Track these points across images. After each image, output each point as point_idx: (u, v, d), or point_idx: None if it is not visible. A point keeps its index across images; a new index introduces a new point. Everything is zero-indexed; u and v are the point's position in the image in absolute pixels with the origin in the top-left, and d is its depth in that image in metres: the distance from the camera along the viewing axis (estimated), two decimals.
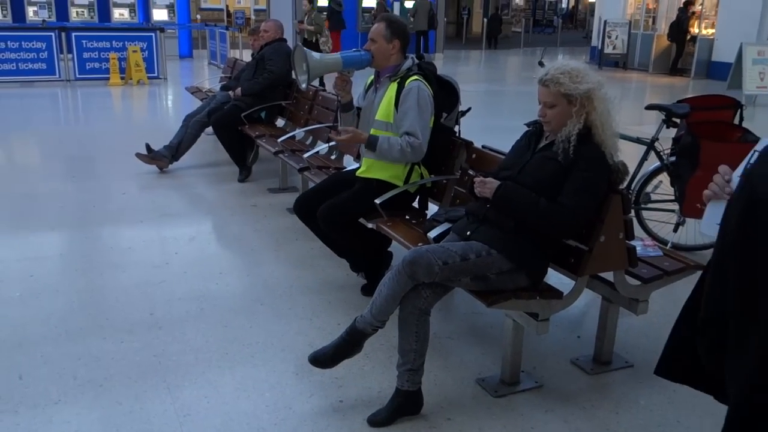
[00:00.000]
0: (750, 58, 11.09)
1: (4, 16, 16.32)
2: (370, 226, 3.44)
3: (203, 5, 22.67)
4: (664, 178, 4.32)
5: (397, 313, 2.51)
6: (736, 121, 4.16)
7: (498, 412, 2.61)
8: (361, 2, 18.37)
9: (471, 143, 3.52)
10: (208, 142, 6.65)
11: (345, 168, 4.29)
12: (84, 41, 12.10)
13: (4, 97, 10.48)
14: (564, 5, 37.11)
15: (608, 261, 2.67)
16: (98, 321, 3.26)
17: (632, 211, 4.14)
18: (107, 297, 3.55)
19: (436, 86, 3.45)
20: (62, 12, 16.70)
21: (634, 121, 8.43)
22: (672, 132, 4.26)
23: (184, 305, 3.45)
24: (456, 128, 3.65)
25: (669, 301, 3.54)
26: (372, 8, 17.94)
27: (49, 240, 4.42)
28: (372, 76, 3.60)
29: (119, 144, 7.04)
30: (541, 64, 2.78)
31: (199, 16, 21.50)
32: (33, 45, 11.74)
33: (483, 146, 3.49)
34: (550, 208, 2.51)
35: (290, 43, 6.07)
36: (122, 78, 12.09)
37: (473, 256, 2.51)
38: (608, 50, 17.28)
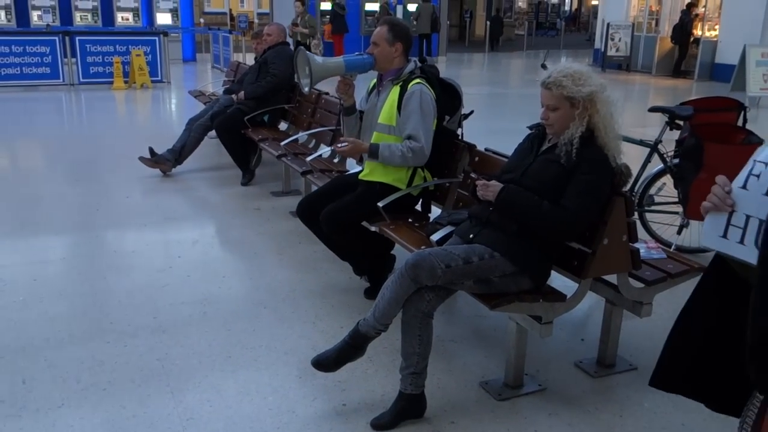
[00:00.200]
0: (753, 59, 11.06)
1: (8, 21, 16.38)
2: (373, 229, 3.44)
3: (207, 9, 22.76)
4: (667, 180, 4.31)
5: (400, 317, 2.50)
6: (740, 123, 4.16)
7: (502, 415, 2.60)
8: (364, 6, 18.39)
9: (474, 146, 3.52)
10: (211, 146, 6.66)
11: (348, 171, 4.29)
12: (88, 45, 12.14)
13: (8, 101, 10.52)
14: (567, 8, 37.10)
15: (611, 263, 2.67)
16: (102, 325, 3.27)
17: (635, 213, 4.15)
18: (110, 301, 3.55)
19: (438, 89, 3.45)
20: (66, 16, 16.76)
21: (637, 123, 8.42)
22: (675, 134, 4.25)
23: (187, 309, 3.45)
24: (459, 131, 3.65)
25: (673, 304, 3.52)
26: (375, 12, 17.96)
27: (53, 244, 4.44)
28: (374, 80, 3.60)
29: (123, 148, 7.06)
30: (543, 66, 2.80)
31: (202, 20, 21.58)
32: (37, 49, 11.79)
33: (486, 149, 3.48)
34: (553, 211, 2.51)
35: (290, 47, 6.07)
36: (126, 82, 12.12)
37: (476, 259, 2.51)
38: (611, 52, 17.26)
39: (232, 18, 23.94)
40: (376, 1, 18.22)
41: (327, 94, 5.50)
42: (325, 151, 5.10)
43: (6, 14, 16.40)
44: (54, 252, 4.29)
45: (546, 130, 2.69)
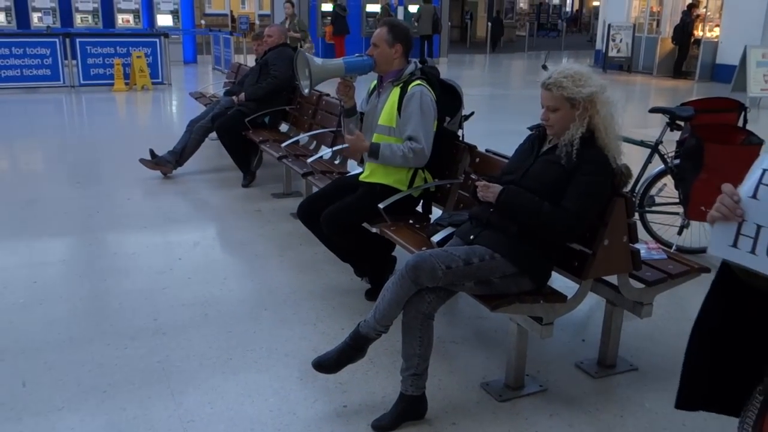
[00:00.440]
0: (754, 60, 11.06)
1: (9, 23, 16.38)
2: (374, 230, 3.44)
3: (207, 11, 22.79)
4: (668, 180, 4.31)
5: (401, 318, 2.50)
6: (740, 123, 4.15)
7: (503, 416, 2.60)
8: (365, 7, 18.39)
9: (474, 147, 3.52)
10: (212, 148, 6.67)
11: (349, 173, 4.29)
12: (88, 47, 12.15)
13: (8, 103, 10.53)
14: (568, 9, 37.09)
15: (612, 264, 2.66)
16: (102, 327, 3.27)
17: (636, 214, 4.15)
18: (111, 303, 3.55)
19: (439, 91, 3.45)
20: (66, 18, 16.77)
21: (638, 124, 8.42)
22: (676, 135, 4.24)
23: (188, 311, 3.45)
24: (459, 132, 3.64)
25: (673, 304, 3.53)
26: (376, 13, 17.97)
27: (53, 246, 4.44)
28: (375, 81, 3.60)
29: (123, 150, 7.07)
30: (544, 67, 2.78)
31: (203, 22, 21.60)
32: (37, 51, 11.80)
33: (486, 150, 3.48)
34: (554, 212, 2.50)
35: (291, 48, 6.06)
36: (126, 84, 12.13)
37: (477, 261, 2.51)
38: (612, 53, 17.26)
39: (233, 19, 23.96)
40: (378, 3, 18.22)
41: (328, 95, 5.50)
42: (326, 152, 5.10)
43: (6, 16, 16.41)
44: (54, 254, 4.29)
45: (546, 131, 2.69)
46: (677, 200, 4.19)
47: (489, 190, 2.61)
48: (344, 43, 16.86)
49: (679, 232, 4.24)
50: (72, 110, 10.76)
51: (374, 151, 3.31)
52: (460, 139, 3.63)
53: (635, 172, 4.12)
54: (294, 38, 11.04)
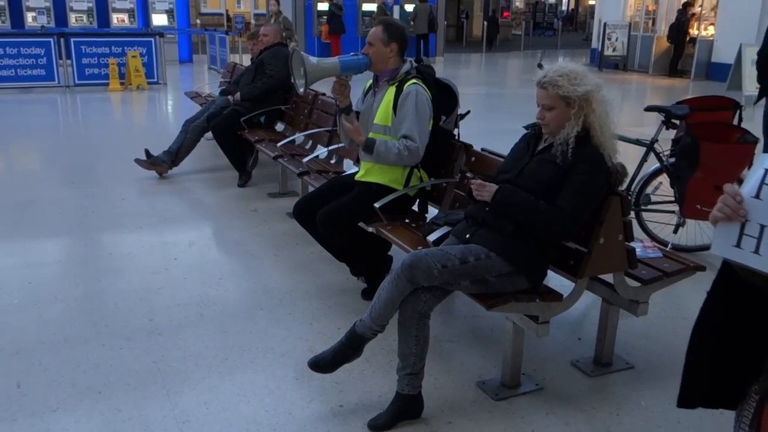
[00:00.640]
0: (749, 58, 11.08)
1: (3, 22, 16.34)
2: (369, 230, 3.44)
3: (203, 10, 22.73)
4: (663, 179, 4.31)
5: (397, 317, 2.50)
6: (736, 121, 4.16)
7: (499, 415, 2.60)
8: (361, 6, 18.38)
9: (470, 146, 3.52)
10: (207, 147, 6.65)
11: (344, 172, 4.29)
12: (83, 47, 12.12)
13: (2, 103, 10.49)
14: (564, 8, 37.14)
15: (608, 263, 2.66)
16: (97, 327, 3.25)
17: (632, 212, 4.15)
18: (106, 303, 3.54)
19: (434, 89, 3.44)
20: (61, 18, 16.73)
21: (634, 122, 8.43)
22: (671, 133, 4.25)
23: (183, 311, 3.44)
24: (455, 131, 3.64)
25: (669, 302, 3.53)
26: (372, 12, 17.96)
27: (48, 247, 4.42)
28: (371, 80, 3.60)
29: (118, 150, 7.05)
30: (540, 66, 2.78)
31: (198, 21, 21.55)
32: (32, 51, 11.76)
33: (482, 149, 3.48)
34: (549, 211, 2.50)
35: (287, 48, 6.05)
36: (122, 83, 12.10)
37: (472, 259, 2.50)
38: (608, 52, 17.29)
39: (228, 19, 23.90)
40: (374, 2, 18.20)
41: (324, 94, 5.49)
42: (321, 152, 5.09)
43: (0, 16, 16.35)
44: (49, 254, 4.27)
45: (542, 129, 2.69)
46: (673, 199, 4.20)
47: (484, 189, 2.61)
48: (340, 42, 16.85)
49: (675, 231, 4.25)
50: (67, 110, 10.73)
51: (369, 146, 3.30)
52: (456, 138, 3.63)
53: (631, 170, 4.13)
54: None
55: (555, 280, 2.96)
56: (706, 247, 4.31)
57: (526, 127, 2.84)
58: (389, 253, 3.72)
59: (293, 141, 5.50)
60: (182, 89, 11.48)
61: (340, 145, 4.43)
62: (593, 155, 2.53)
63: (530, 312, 2.60)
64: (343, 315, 3.36)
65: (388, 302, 2.48)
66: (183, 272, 3.95)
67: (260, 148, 5.53)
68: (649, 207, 4.39)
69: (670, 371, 2.94)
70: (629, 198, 4.15)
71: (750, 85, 11.00)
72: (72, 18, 16.85)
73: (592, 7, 25.88)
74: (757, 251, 1.31)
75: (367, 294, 3.54)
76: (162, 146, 6.04)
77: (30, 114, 9.85)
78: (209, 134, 6.06)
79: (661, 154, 4.26)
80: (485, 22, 24.73)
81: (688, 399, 1.60)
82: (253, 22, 22.77)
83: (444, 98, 3.51)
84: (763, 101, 4.59)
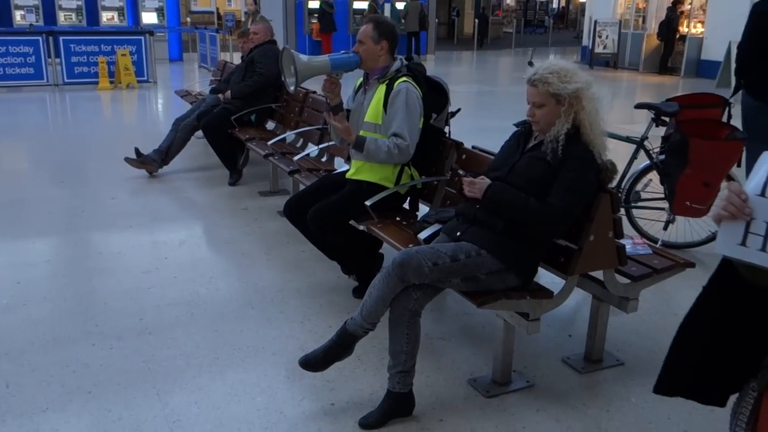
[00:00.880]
0: None
1: None
2: (360, 228, 3.43)
3: (193, 8, 22.60)
4: (653, 176, 4.33)
5: (388, 315, 2.50)
6: (725, 119, 4.18)
7: (490, 412, 2.60)
8: (352, 4, 18.34)
9: (461, 144, 3.52)
10: (198, 146, 6.63)
11: (335, 170, 4.28)
12: (72, 45, 12.03)
13: None
14: (555, 5, 37.20)
15: (598, 260, 2.67)
16: (87, 327, 3.23)
17: (622, 209, 4.16)
18: (96, 303, 3.52)
19: (425, 87, 3.44)
20: (50, 16, 16.61)
21: (624, 119, 8.46)
22: (661, 130, 4.27)
23: (174, 310, 3.43)
24: (446, 129, 3.64)
25: (659, 299, 3.55)
26: (363, 10, 17.91)
27: (37, 246, 4.39)
28: (361, 78, 3.59)
29: (108, 148, 7.00)
30: (530, 64, 2.79)
31: (189, 19, 21.44)
32: (20, 49, 11.66)
33: (473, 147, 3.48)
34: (540, 208, 2.51)
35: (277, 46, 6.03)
36: (111, 82, 12.03)
37: (463, 257, 2.51)
38: (599, 50, 17.34)
39: (219, 17, 23.79)
40: (365, 0, 18.17)
41: (314, 92, 5.48)
42: (312, 150, 5.09)
43: None
44: (38, 254, 4.24)
45: (532, 127, 2.69)
46: (663, 195, 4.21)
47: (475, 187, 2.61)
48: (331, 40, 16.81)
49: (665, 227, 4.26)
50: (56, 109, 10.66)
51: (360, 144, 3.30)
52: (447, 135, 3.63)
53: (621, 167, 4.14)
54: None
55: (546, 278, 2.97)
56: (696, 244, 4.33)
57: (517, 125, 2.84)
58: (380, 251, 3.72)
59: (284, 139, 5.49)
60: (172, 87, 11.43)
61: (331, 143, 4.42)
62: (583, 152, 2.54)
63: (521, 309, 2.61)
64: (335, 313, 3.36)
65: (379, 300, 2.48)
66: (173, 271, 3.94)
67: (251, 146, 5.52)
68: (640, 204, 4.41)
69: (660, 367, 2.95)
70: (619, 195, 4.19)
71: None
72: (61, 16, 16.74)
73: (583, 4, 25.94)
74: (764, 249, 1.32)
75: (359, 292, 3.53)
76: (152, 145, 6.01)
77: (19, 113, 9.77)
78: (200, 133, 6.03)
79: (651, 152, 4.27)
80: (476, 20, 24.74)
81: (668, 386, 1.61)
82: (243, 20, 22.67)
83: (435, 96, 3.51)
84: (739, 96, 4.64)
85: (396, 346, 2.48)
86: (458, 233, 2.65)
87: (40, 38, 11.92)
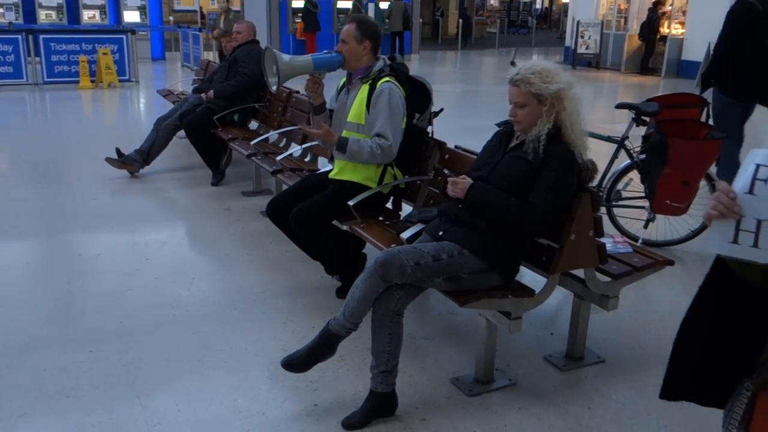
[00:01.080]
0: None
1: None
2: (344, 228, 3.43)
3: (176, 6, 22.42)
4: (634, 175, 4.36)
5: (371, 315, 2.49)
6: (704, 118, 4.23)
7: (472, 411, 2.61)
8: (336, 4, 18.31)
9: (444, 144, 3.52)
10: (180, 146, 6.58)
11: (318, 170, 4.27)
12: (52, 44, 11.89)
13: None
14: (538, 6, 37.39)
15: (579, 258, 2.69)
16: (66, 331, 3.20)
17: (603, 208, 4.20)
18: (75, 306, 3.48)
19: (408, 87, 3.44)
20: (30, 14, 16.38)
21: (606, 119, 8.52)
22: (642, 130, 4.30)
23: (155, 312, 3.40)
24: (429, 129, 3.65)
25: (639, 297, 3.58)
26: (347, 10, 17.89)
27: (15, 248, 4.33)
28: (344, 78, 3.58)
29: (89, 148, 6.93)
30: (513, 64, 2.80)
31: (171, 18, 21.26)
32: None
33: (456, 146, 3.49)
34: (522, 207, 2.52)
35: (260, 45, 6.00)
36: (92, 81, 11.91)
37: (445, 257, 2.51)
38: (581, 50, 17.45)
39: (202, 16, 23.63)
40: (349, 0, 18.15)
41: (297, 92, 5.46)
42: (295, 150, 5.07)
43: None
44: (17, 256, 4.19)
45: (514, 127, 2.70)
46: (643, 194, 4.25)
47: (458, 186, 2.61)
48: (315, 39, 16.77)
49: (645, 226, 4.30)
50: (36, 108, 10.52)
51: (342, 145, 3.29)
52: (430, 135, 3.64)
53: (602, 167, 4.18)
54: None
55: (528, 276, 2.97)
56: (676, 242, 4.37)
57: (499, 125, 2.85)
58: (363, 251, 3.71)
59: (267, 139, 5.46)
60: (155, 87, 11.32)
61: (314, 143, 4.41)
62: (564, 152, 2.55)
63: (503, 308, 2.62)
64: (318, 314, 3.34)
65: (361, 300, 2.47)
66: (155, 273, 3.90)
67: (234, 146, 5.49)
68: (620, 203, 4.44)
69: (641, 364, 2.98)
70: (601, 194, 4.23)
71: None
72: (41, 14, 16.52)
73: (566, 5, 26.09)
74: (755, 245, 1.33)
75: (342, 292, 3.53)
76: (133, 145, 5.96)
77: None
78: (182, 132, 5.99)
79: (631, 151, 4.31)
80: (460, 20, 24.80)
81: (672, 391, 1.63)
82: (216, 18, 22.52)
83: (417, 96, 3.51)
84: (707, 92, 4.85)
85: (378, 346, 2.48)
86: (441, 233, 2.65)
87: (19, 36, 11.76)
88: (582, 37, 17.38)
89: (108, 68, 11.90)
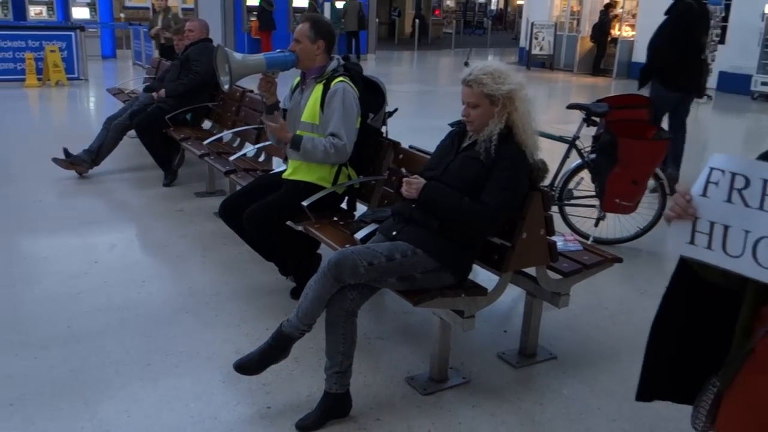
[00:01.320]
0: None
1: None
2: (298, 228, 3.40)
3: (127, 3, 21.92)
4: (585, 174, 4.45)
5: (324, 316, 2.48)
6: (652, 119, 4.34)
7: (427, 409, 2.62)
8: (292, 2, 18.17)
9: (398, 144, 3.53)
10: (131, 146, 6.42)
11: (272, 170, 4.23)
12: None
13: None
14: (493, 7, 37.82)
15: (530, 257, 2.73)
16: (10, 337, 3.09)
17: (556, 207, 4.27)
18: (20, 310, 3.36)
19: (362, 87, 3.43)
20: None
21: (559, 119, 8.66)
22: (593, 130, 4.39)
23: (103, 316, 3.31)
24: (383, 129, 3.65)
25: (590, 294, 3.65)
26: (303, 8, 17.78)
27: None
28: (298, 78, 3.55)
29: (35, 148, 6.72)
30: (466, 64, 2.82)
31: (123, 15, 20.78)
32: None
33: (410, 146, 3.50)
34: (474, 206, 2.53)
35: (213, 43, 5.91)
36: (39, 79, 11.54)
37: (399, 256, 2.51)
38: (535, 51, 17.73)
39: (154, 12, 23.18)
40: None
41: (251, 91, 5.39)
42: (249, 149, 5.02)
43: None
44: None
45: (467, 127, 2.72)
46: (594, 193, 4.34)
47: (411, 186, 2.62)
48: (271, 38, 16.62)
49: (596, 224, 4.39)
50: None
51: (296, 143, 3.27)
52: (384, 135, 3.64)
53: (554, 166, 4.25)
54: (168, 38, 8.39)
55: (482, 275, 3.01)
56: (625, 240, 4.48)
57: (452, 125, 2.87)
58: (318, 251, 3.69)
59: (221, 139, 5.38)
60: (105, 86, 11.02)
61: (268, 143, 4.36)
62: (515, 152, 2.58)
63: (456, 307, 2.63)
64: (272, 315, 3.31)
65: (314, 301, 2.46)
66: (104, 276, 3.80)
67: (186, 146, 5.39)
68: (572, 201, 4.53)
69: (591, 360, 3.05)
70: (553, 193, 4.30)
71: None
72: None
73: (521, 6, 26.47)
74: (709, 247, 1.37)
75: (297, 293, 3.50)
76: (82, 145, 5.80)
77: None
78: (133, 132, 5.86)
79: (582, 151, 4.39)
80: (416, 20, 24.92)
81: (648, 392, 1.67)
82: (180, 16, 22.13)
83: (371, 96, 3.50)
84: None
85: (332, 347, 2.47)
86: (394, 233, 2.66)
87: None
88: (536, 39, 17.66)
89: (56, 66, 11.56)
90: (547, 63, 17.86)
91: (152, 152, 5.75)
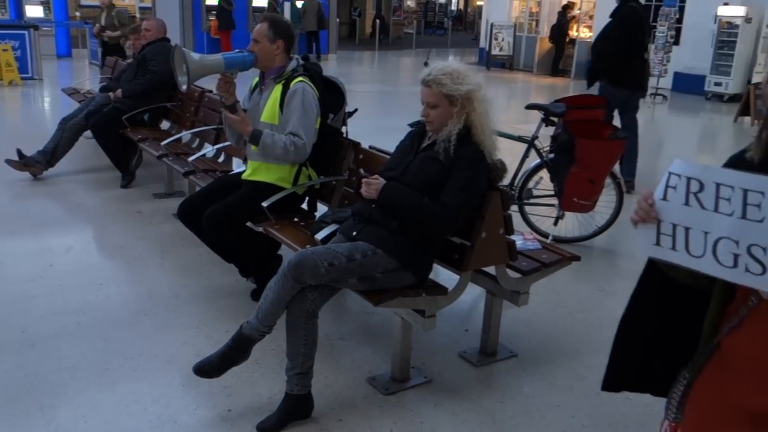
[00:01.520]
0: None
1: None
2: (258, 229, 3.38)
3: (83, 2, 21.43)
4: (544, 174, 4.52)
5: (285, 317, 2.47)
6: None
7: (389, 409, 2.63)
8: (252, 1, 18.00)
9: (358, 144, 3.53)
10: (88, 147, 6.29)
11: (232, 171, 4.19)
12: None
13: None
14: (453, 8, 38.09)
15: (490, 256, 2.76)
16: None
17: (516, 206, 4.33)
18: None
19: (322, 87, 3.43)
20: None
21: (519, 119, 8.78)
22: (551, 130, 4.46)
23: (59, 320, 3.23)
24: (343, 129, 3.65)
25: (549, 292, 3.71)
26: (263, 8, 17.62)
27: None
28: (257, 78, 3.53)
29: None
30: (426, 64, 2.84)
31: (78, 14, 20.30)
32: None
33: (371, 146, 3.51)
34: (434, 206, 2.56)
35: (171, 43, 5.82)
36: None
37: (359, 257, 2.52)
38: (495, 52, 17.92)
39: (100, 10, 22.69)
40: None
41: (210, 92, 5.33)
42: (208, 150, 4.96)
43: None
44: None
45: (426, 127, 2.74)
46: (553, 192, 4.42)
47: (371, 187, 2.63)
48: (230, 38, 16.44)
49: (555, 223, 4.47)
50: None
51: (256, 137, 3.24)
52: (344, 135, 3.64)
53: (513, 166, 4.31)
54: (113, 37, 8.78)
55: (443, 275, 3.03)
56: (583, 238, 4.57)
57: (411, 125, 2.89)
58: (279, 252, 3.67)
59: (179, 139, 5.31)
60: (60, 85, 10.75)
61: (228, 143, 4.32)
62: (474, 152, 2.61)
63: (417, 306, 2.65)
64: (233, 317, 3.28)
65: (275, 302, 2.45)
66: (59, 279, 3.72)
67: (143, 147, 5.30)
68: (532, 201, 4.59)
69: (551, 358, 3.10)
70: (512, 192, 4.36)
71: None
72: None
73: (480, 7, 26.72)
74: (674, 248, 1.43)
75: (257, 295, 3.46)
76: (36, 146, 5.65)
77: None
78: (89, 133, 5.73)
79: (541, 150, 4.46)
80: (377, 20, 24.95)
81: (614, 383, 1.73)
82: (137, 15, 21.73)
83: (331, 96, 3.50)
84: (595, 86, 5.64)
85: (293, 348, 2.46)
86: (354, 233, 2.66)
87: None
88: (496, 39, 17.85)
89: (8, 65, 11.24)
90: (506, 63, 18.07)
91: (109, 153, 5.64)
